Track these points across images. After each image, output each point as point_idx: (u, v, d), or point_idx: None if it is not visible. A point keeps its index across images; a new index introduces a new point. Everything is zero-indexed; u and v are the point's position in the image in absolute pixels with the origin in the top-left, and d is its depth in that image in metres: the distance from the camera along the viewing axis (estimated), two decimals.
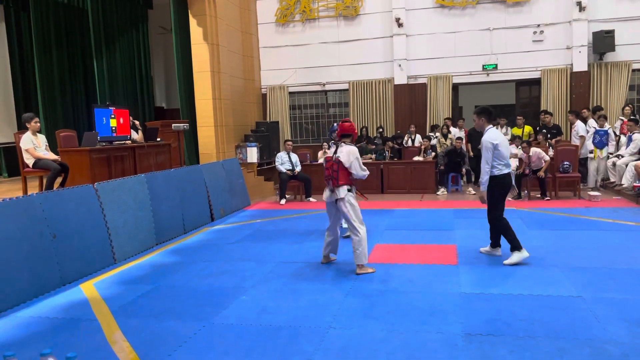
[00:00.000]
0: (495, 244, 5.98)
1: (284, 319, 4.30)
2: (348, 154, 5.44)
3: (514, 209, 8.89)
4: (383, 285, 5.09)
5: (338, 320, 4.21)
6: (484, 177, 5.59)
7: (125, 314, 4.58)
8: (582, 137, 10.83)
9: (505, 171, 5.59)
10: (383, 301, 4.62)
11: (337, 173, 5.45)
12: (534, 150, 9.88)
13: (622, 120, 11.16)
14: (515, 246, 5.61)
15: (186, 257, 6.54)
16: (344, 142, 5.55)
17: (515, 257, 5.60)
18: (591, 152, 10.81)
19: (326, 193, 5.64)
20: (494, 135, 5.59)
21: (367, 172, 5.59)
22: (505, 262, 5.61)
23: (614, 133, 11.05)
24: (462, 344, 3.67)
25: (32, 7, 11.43)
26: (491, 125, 5.71)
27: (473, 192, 10.86)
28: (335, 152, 5.55)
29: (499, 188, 5.62)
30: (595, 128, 10.71)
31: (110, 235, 6.28)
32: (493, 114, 5.76)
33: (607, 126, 10.69)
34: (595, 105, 11.73)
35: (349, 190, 5.46)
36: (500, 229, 5.74)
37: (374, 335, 3.90)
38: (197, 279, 5.55)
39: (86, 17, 11.73)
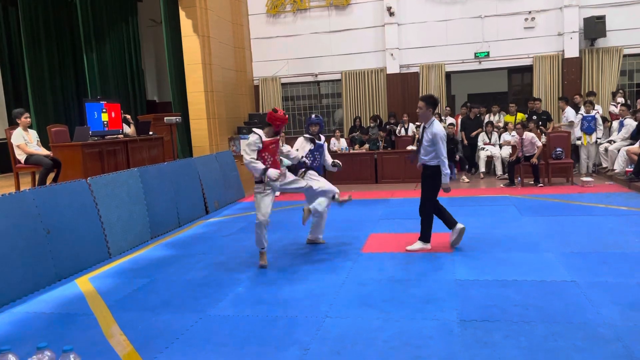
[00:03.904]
0: (451, 224, 5.83)
1: (280, 309, 4.32)
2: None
3: (507, 195, 8.94)
4: (378, 273, 5.11)
5: (334, 310, 4.23)
6: (447, 169, 5.56)
7: (121, 307, 4.57)
8: (571, 123, 10.86)
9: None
10: (379, 290, 4.65)
11: None
12: (527, 134, 9.91)
13: (615, 105, 11.18)
14: (426, 238, 5.80)
15: (181, 250, 6.54)
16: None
17: (419, 245, 5.80)
18: (579, 138, 10.86)
19: None
20: (442, 129, 5.59)
21: (256, 167, 5.33)
22: (408, 247, 5.81)
23: (605, 119, 11.09)
24: (458, 330, 3.70)
25: (20, 1, 11.30)
26: (434, 117, 5.65)
27: (467, 180, 10.90)
28: None
29: (439, 177, 5.63)
30: (582, 114, 10.75)
31: (104, 229, 6.26)
32: (437, 105, 5.80)
33: (593, 112, 10.72)
34: (588, 91, 11.76)
35: (256, 182, 5.45)
36: (427, 216, 5.77)
37: (370, 323, 3.92)
38: (193, 272, 5.55)
39: (75, 10, 11.61)
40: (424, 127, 5.67)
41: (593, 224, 6.66)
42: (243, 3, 13.49)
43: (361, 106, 13.42)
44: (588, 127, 10.68)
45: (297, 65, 13.63)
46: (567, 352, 3.30)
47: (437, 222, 6.92)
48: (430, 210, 5.79)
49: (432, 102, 5.61)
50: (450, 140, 11.06)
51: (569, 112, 10.97)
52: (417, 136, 11.83)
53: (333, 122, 14.13)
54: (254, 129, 5.53)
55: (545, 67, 12.26)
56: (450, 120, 11.96)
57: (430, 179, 5.68)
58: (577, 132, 10.85)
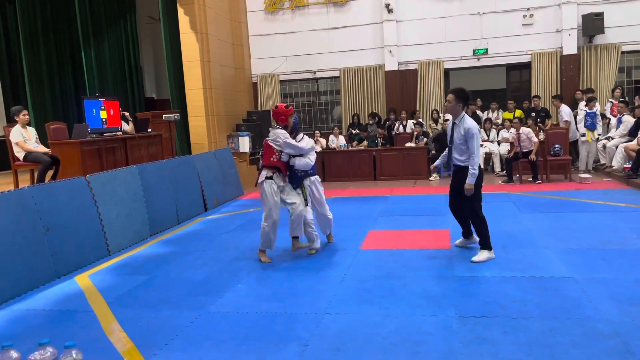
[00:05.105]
0: (468, 233, 5.62)
1: (280, 305, 4.33)
2: (274, 135, 5.58)
3: (506, 192, 8.96)
4: (377, 270, 5.13)
5: (333, 306, 4.24)
6: (476, 169, 5.04)
7: (121, 304, 4.59)
8: (567, 122, 10.86)
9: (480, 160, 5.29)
10: (378, 286, 4.66)
11: (263, 152, 5.66)
12: (524, 129, 9.94)
13: (612, 102, 11.22)
14: (488, 245, 5.22)
15: (180, 247, 6.55)
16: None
17: (485, 255, 5.19)
18: (583, 135, 10.85)
19: None
20: (475, 124, 5.13)
21: (307, 157, 5.62)
22: (474, 259, 5.19)
23: (603, 115, 11.10)
24: (457, 326, 3.72)
25: None
26: (464, 112, 5.18)
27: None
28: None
29: (479, 178, 5.15)
30: (585, 111, 10.76)
31: (103, 227, 6.26)
32: (469, 100, 5.30)
33: (595, 108, 10.72)
34: (586, 87, 11.76)
35: (267, 177, 5.49)
36: (479, 224, 5.24)
37: (369, 319, 3.93)
38: (192, 269, 5.56)
39: (73, 7, 11.59)
40: (454, 124, 5.19)
41: (591, 220, 6.67)
42: (241, 0, 13.47)
43: (359, 103, 13.41)
44: (591, 123, 10.67)
45: (296, 63, 13.61)
46: (565, 347, 3.32)
47: (435, 220, 6.94)
48: (480, 214, 5.21)
49: (463, 96, 5.11)
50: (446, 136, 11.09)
51: (564, 110, 10.97)
52: (415, 133, 11.88)
53: (332, 119, 14.13)
54: (277, 127, 5.68)
55: (543, 64, 12.25)
56: (448, 116, 11.95)
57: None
58: (581, 128, 10.83)
